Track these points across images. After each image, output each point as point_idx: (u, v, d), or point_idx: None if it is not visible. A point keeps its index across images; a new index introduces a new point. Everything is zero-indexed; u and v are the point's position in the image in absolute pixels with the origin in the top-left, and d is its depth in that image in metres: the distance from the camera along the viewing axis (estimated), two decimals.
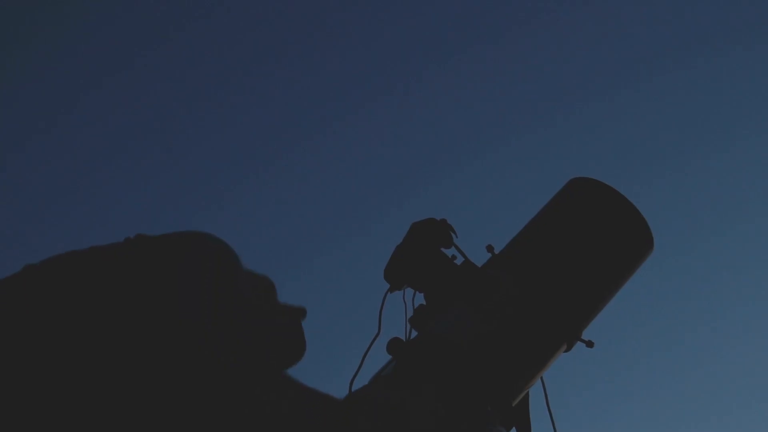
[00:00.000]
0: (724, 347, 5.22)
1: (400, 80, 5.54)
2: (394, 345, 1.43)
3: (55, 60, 5.26)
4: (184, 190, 5.34)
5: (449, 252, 1.54)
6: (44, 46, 5.20)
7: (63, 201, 5.27)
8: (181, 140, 5.46)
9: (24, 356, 1.31)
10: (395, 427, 1.33)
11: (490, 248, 1.57)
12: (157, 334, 1.33)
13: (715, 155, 5.31)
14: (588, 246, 1.57)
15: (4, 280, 1.43)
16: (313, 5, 5.43)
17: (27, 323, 1.34)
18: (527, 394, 1.56)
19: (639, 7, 5.38)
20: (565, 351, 1.56)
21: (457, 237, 1.56)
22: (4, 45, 5.06)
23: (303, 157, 5.44)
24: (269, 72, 5.50)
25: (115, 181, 5.27)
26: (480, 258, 1.57)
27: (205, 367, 1.33)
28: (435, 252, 1.52)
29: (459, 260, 1.54)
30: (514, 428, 1.54)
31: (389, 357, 1.48)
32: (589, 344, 1.56)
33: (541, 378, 1.56)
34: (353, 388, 1.42)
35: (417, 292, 1.54)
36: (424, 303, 1.54)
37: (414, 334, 1.52)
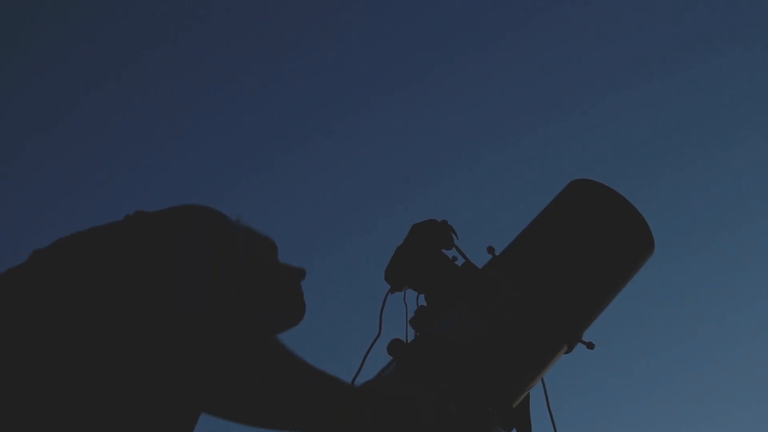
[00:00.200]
0: (725, 349, 5.22)
1: (400, 81, 5.54)
2: (395, 346, 1.43)
3: (56, 60, 5.26)
4: (185, 191, 5.34)
5: (450, 253, 1.54)
6: (44, 46, 5.20)
7: (63, 201, 5.27)
8: (181, 140, 5.46)
9: (25, 348, 1.31)
10: (399, 418, 1.32)
11: (490, 249, 1.57)
12: (158, 328, 1.33)
13: (715, 157, 5.31)
14: (589, 247, 1.57)
15: (14, 268, 1.43)
16: (314, 6, 5.43)
17: (29, 314, 1.34)
18: (528, 395, 1.56)
19: (639, 8, 5.38)
20: (566, 352, 1.56)
21: (457, 238, 1.56)
22: (4, 45, 5.07)
23: (303, 157, 5.44)
24: (270, 73, 5.50)
25: (116, 182, 5.27)
26: (481, 259, 1.58)
27: (205, 361, 1.33)
28: (436, 253, 1.52)
29: (460, 261, 1.54)
30: (514, 429, 1.54)
31: (390, 358, 1.48)
32: (590, 346, 1.56)
33: (542, 379, 1.56)
34: None
35: (418, 294, 1.54)
36: (425, 304, 1.54)
37: (415, 335, 1.52)
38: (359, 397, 1.37)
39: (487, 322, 1.45)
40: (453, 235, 1.55)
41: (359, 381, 1.44)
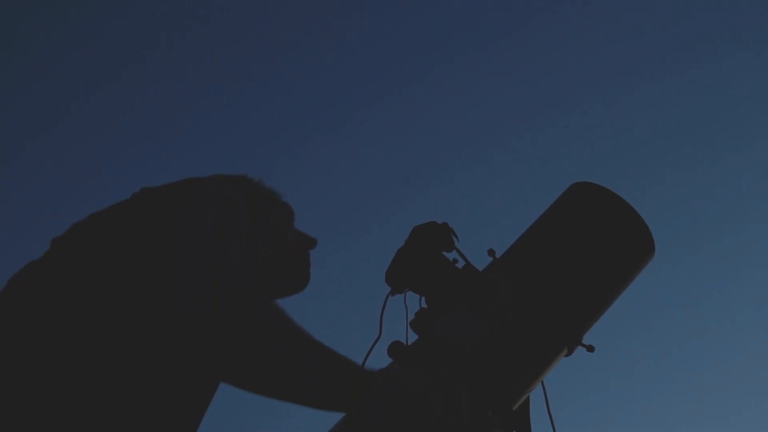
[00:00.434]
0: (725, 352, 5.22)
1: (401, 83, 5.54)
2: (395, 348, 1.43)
3: (56, 60, 5.26)
4: None
5: (451, 256, 1.54)
6: (45, 46, 5.20)
7: (63, 201, 5.26)
8: (181, 141, 5.46)
9: (40, 343, 1.31)
10: (407, 406, 1.32)
11: (491, 252, 1.57)
12: (158, 327, 1.33)
13: (716, 159, 5.31)
14: (589, 250, 1.57)
15: (34, 261, 1.43)
16: (314, 6, 5.43)
17: (44, 309, 1.34)
18: (528, 398, 1.56)
19: (640, 9, 5.38)
20: (566, 355, 1.55)
21: (458, 241, 1.56)
22: (4, 45, 5.06)
23: (304, 159, 5.44)
24: (271, 74, 5.50)
25: (116, 182, 5.26)
26: (481, 262, 1.57)
27: (206, 361, 1.33)
28: (436, 255, 1.52)
29: (460, 264, 1.54)
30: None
31: (390, 360, 1.47)
32: (590, 349, 1.55)
33: (542, 382, 1.56)
34: None
35: (419, 296, 1.54)
36: (425, 306, 1.54)
37: (414, 337, 1.52)
38: (368, 377, 1.36)
39: (488, 324, 1.45)
40: (454, 238, 1.55)
41: None
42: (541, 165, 5.35)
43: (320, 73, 5.48)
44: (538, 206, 1.68)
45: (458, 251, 1.54)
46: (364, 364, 1.41)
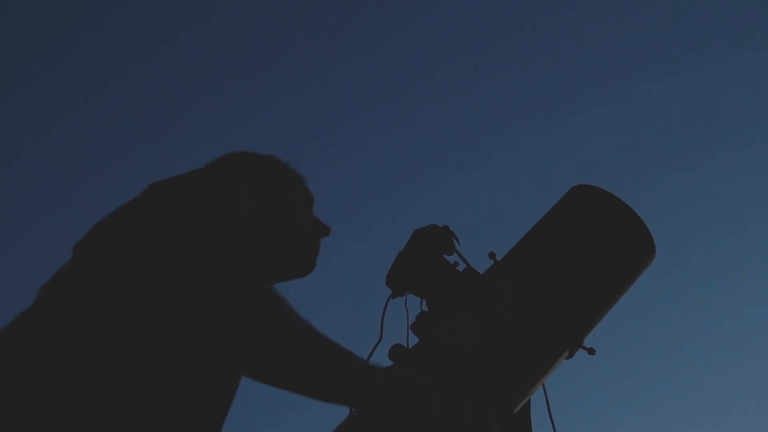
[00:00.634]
0: (727, 354, 5.21)
1: (401, 85, 5.54)
2: (396, 351, 1.43)
3: (56, 60, 5.26)
4: None
5: (451, 258, 1.54)
6: (44, 46, 5.19)
7: (63, 201, 5.26)
8: (182, 141, 5.45)
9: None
10: (409, 405, 1.32)
11: (492, 255, 1.57)
12: (161, 326, 1.33)
13: (717, 160, 5.31)
14: (590, 253, 1.57)
15: (62, 267, 1.44)
16: (314, 7, 5.42)
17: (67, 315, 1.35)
18: (529, 401, 1.56)
19: (640, 9, 5.37)
20: (567, 358, 1.55)
21: (459, 243, 1.55)
22: (4, 45, 5.06)
23: (304, 161, 5.42)
24: (271, 75, 5.49)
25: (116, 182, 5.26)
26: (482, 265, 1.57)
27: (206, 360, 1.33)
28: (437, 258, 1.52)
29: (461, 267, 1.54)
30: None
31: (391, 364, 1.47)
32: (591, 351, 1.55)
33: (543, 385, 1.56)
34: None
35: (419, 299, 1.54)
36: (426, 309, 1.54)
37: (415, 340, 1.52)
38: (370, 373, 1.37)
39: (489, 327, 1.45)
40: (454, 241, 1.55)
41: None
42: (542, 167, 5.35)
43: (320, 74, 5.48)
44: (538, 209, 1.69)
45: (459, 254, 1.54)
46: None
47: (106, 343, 1.31)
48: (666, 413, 5.03)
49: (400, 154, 5.53)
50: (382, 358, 1.46)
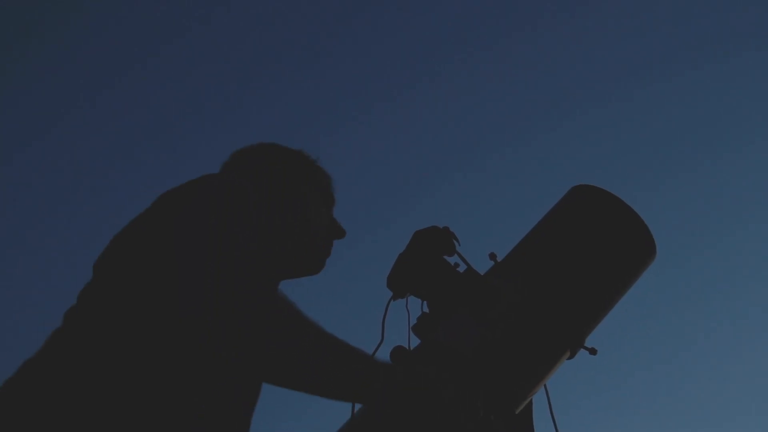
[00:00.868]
0: (728, 353, 5.21)
1: (401, 86, 5.53)
2: (397, 353, 1.43)
3: (56, 60, 5.26)
4: None
5: (452, 260, 1.54)
6: (44, 46, 5.20)
7: (63, 201, 5.27)
8: (182, 142, 5.45)
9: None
10: (414, 404, 1.32)
11: (492, 256, 1.57)
12: (160, 331, 1.33)
13: (717, 160, 5.31)
14: (590, 253, 1.57)
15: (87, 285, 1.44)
16: (314, 8, 5.42)
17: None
18: (531, 401, 1.56)
19: (641, 9, 5.37)
20: (569, 358, 1.55)
21: (459, 245, 1.55)
22: (4, 45, 5.06)
23: None
24: (272, 76, 5.49)
25: (117, 182, 5.26)
26: (483, 266, 1.57)
27: (208, 363, 1.33)
28: (438, 260, 1.52)
29: (462, 268, 1.54)
30: None
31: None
32: (593, 351, 1.55)
33: (545, 385, 1.56)
34: None
35: (420, 300, 1.54)
36: (427, 311, 1.54)
37: (417, 342, 1.52)
38: (375, 373, 1.37)
39: (490, 329, 1.45)
40: (455, 242, 1.54)
41: None
42: (542, 167, 5.35)
43: (319, 75, 5.48)
44: (539, 209, 1.69)
45: (459, 255, 1.54)
46: None
47: (123, 354, 1.32)
48: (667, 413, 5.03)
49: (400, 155, 5.53)
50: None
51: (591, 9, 5.41)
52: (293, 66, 5.49)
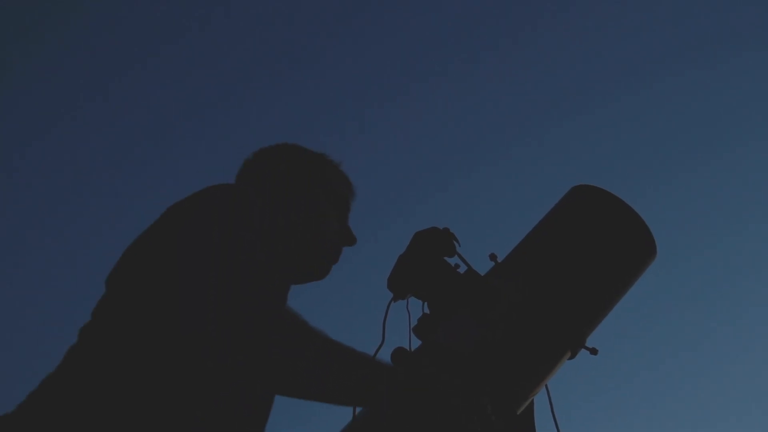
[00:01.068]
0: (728, 353, 5.21)
1: (401, 87, 5.53)
2: (398, 354, 1.43)
3: (56, 60, 5.26)
4: (185, 193, 5.32)
5: (452, 261, 1.54)
6: (44, 46, 5.20)
7: (63, 201, 5.27)
8: (182, 142, 5.46)
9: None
10: (417, 405, 1.32)
11: (493, 257, 1.57)
12: (167, 348, 1.33)
13: (717, 160, 5.31)
14: (591, 253, 1.57)
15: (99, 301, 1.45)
16: (314, 9, 5.42)
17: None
18: (532, 401, 1.56)
19: (641, 9, 5.37)
20: (570, 358, 1.55)
21: (460, 246, 1.55)
22: (4, 45, 5.06)
23: None
24: (271, 76, 5.49)
25: (117, 183, 5.26)
26: (483, 266, 1.57)
27: (214, 377, 1.33)
28: (438, 261, 1.52)
29: (462, 269, 1.54)
30: None
31: None
32: (593, 351, 1.55)
33: (546, 386, 1.56)
34: None
35: (420, 301, 1.54)
36: (428, 312, 1.54)
37: (418, 343, 1.52)
38: (379, 376, 1.37)
39: (490, 329, 1.45)
40: (455, 243, 1.55)
41: None
42: (542, 168, 5.35)
43: (319, 76, 5.48)
44: (539, 210, 1.69)
45: (460, 256, 1.54)
46: None
47: (135, 369, 1.32)
48: (668, 413, 5.03)
49: (400, 157, 5.53)
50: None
51: (591, 9, 5.41)
52: (293, 66, 5.50)
